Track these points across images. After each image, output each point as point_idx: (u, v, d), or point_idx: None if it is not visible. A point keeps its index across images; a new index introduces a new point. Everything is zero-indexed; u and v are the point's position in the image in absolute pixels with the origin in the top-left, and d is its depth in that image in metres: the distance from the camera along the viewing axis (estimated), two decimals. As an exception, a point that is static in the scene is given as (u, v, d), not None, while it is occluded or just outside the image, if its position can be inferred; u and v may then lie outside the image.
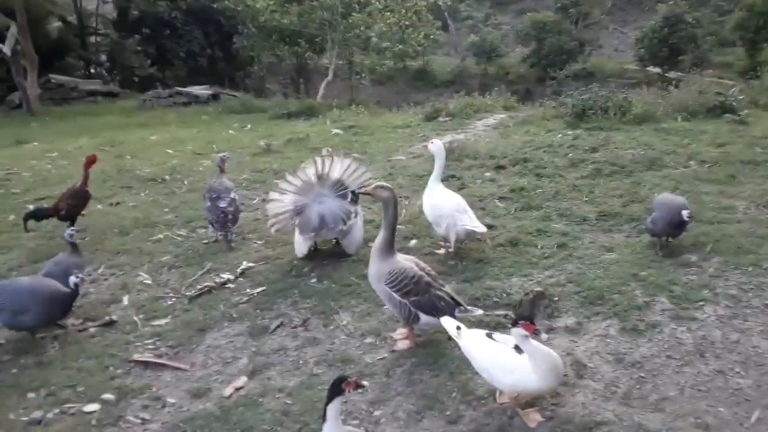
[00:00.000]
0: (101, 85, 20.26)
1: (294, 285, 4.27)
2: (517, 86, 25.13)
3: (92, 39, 24.57)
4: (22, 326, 3.60)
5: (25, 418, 2.96)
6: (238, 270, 4.55)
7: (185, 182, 7.17)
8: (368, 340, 3.56)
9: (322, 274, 4.40)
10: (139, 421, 2.97)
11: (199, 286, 4.32)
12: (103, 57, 24.48)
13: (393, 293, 3.27)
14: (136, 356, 3.50)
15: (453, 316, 3.19)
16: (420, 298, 3.22)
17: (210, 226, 5.21)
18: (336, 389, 2.32)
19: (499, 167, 6.62)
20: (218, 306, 4.06)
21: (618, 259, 4.19)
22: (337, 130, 10.15)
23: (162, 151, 9.13)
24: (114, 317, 3.95)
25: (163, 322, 3.91)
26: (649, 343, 3.26)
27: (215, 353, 3.53)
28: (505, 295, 3.86)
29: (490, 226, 4.94)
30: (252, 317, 3.89)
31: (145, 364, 3.43)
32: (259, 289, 4.23)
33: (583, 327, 3.43)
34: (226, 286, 4.35)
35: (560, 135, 7.83)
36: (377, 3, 15.46)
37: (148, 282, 4.51)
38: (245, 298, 4.14)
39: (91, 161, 5.44)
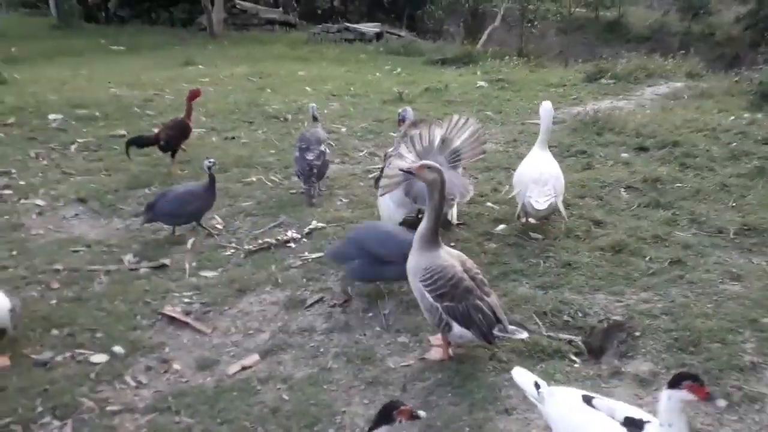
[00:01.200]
0: (280, 14, 20.88)
1: (354, 256, 3.90)
2: (724, 49, 21.84)
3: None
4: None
5: (35, 356, 2.97)
6: (306, 229, 4.28)
7: (305, 124, 7.01)
8: (402, 339, 3.11)
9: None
10: (134, 384, 2.83)
11: (260, 241, 4.12)
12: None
13: (426, 293, 2.75)
14: (167, 309, 3.38)
15: (490, 333, 2.67)
16: (455, 304, 2.69)
17: (297, 177, 4.98)
18: (386, 416, 1.96)
19: (641, 148, 5.59)
20: (269, 266, 3.82)
21: (741, 294, 3.23)
22: (482, 83, 9.38)
23: (301, 88, 9.09)
24: (167, 261, 3.89)
25: (210, 274, 3.76)
26: (739, 423, 2.43)
27: (242, 321, 3.30)
28: (580, 315, 3.16)
29: (598, 223, 4.15)
30: (296, 286, 3.60)
31: (171, 320, 3.30)
32: (316, 255, 3.92)
33: (658, 379, 2.66)
34: (288, 244, 4.10)
35: (733, 117, 6.42)
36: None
37: (219, 227, 4.40)
38: (299, 262, 3.86)
39: (194, 95, 5.41)
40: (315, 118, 5.07)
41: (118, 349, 3.03)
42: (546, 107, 4.16)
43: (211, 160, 4.24)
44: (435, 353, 2.97)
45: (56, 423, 2.58)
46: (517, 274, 3.60)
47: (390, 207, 4.06)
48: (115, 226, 4.48)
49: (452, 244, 3.92)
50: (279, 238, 4.14)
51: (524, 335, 2.73)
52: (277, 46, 15.21)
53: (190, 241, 4.17)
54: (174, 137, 5.28)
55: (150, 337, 3.16)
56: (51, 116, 6.91)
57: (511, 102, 8.19)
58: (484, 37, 14.69)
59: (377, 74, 10.78)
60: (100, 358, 2.98)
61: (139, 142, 5.34)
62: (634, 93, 8.74)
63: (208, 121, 7.03)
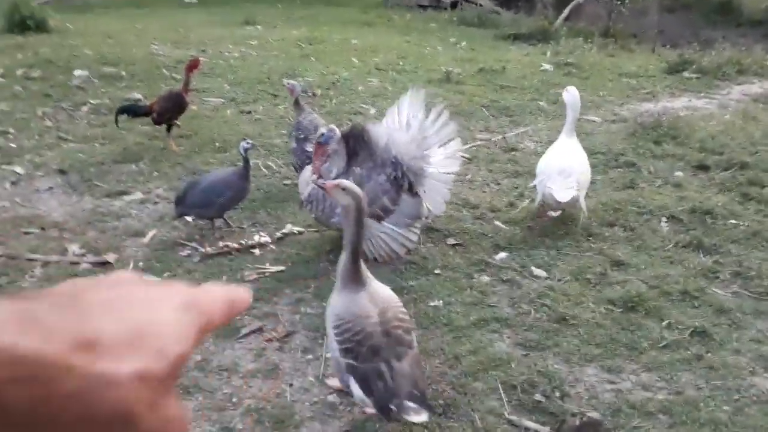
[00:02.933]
0: (360, -25, 20.19)
1: (319, 274, 3.37)
2: None
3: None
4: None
5: None
6: (278, 233, 3.77)
7: (333, 101, 6.46)
8: (332, 398, 2.57)
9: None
10: None
11: (221, 244, 3.65)
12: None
13: (334, 342, 2.29)
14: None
15: (387, 408, 2.15)
16: (358, 364, 2.21)
17: (294, 170, 4.44)
18: None
19: (701, 167, 4.68)
20: (219, 276, 3.35)
21: (775, 402, 2.47)
22: (547, 66, 8.45)
23: (348, 58, 8.49)
24: (112, 257, 3.49)
25: (152, 279, 3.33)
26: None
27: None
28: (557, 395, 2.50)
29: (618, 264, 3.41)
30: (240, 305, 3.11)
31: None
32: (277, 269, 3.41)
33: None
34: (252, 251, 3.61)
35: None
36: None
37: (188, 219, 3.96)
38: (254, 275, 3.37)
39: (192, 65, 4.93)
40: (297, 103, 4.39)
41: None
42: (573, 93, 3.96)
43: (249, 141, 3.76)
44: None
45: None
46: (500, 323, 2.95)
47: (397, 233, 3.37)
48: (83, 205, 4.12)
49: (437, 271, 3.33)
50: (243, 241, 3.66)
51: (422, 417, 2.15)
52: (346, 10, 14.58)
53: (150, 234, 3.76)
54: (168, 110, 4.85)
55: (54, 353, 2.77)
56: (76, 72, 6.68)
57: (573, 91, 7.27)
58: (565, 12, 13.42)
59: (438, 47, 10.00)
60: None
61: (130, 110, 4.95)
62: (719, 92, 7.58)
63: (231, 90, 6.60)
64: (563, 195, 3.59)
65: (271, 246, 3.65)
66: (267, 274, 3.38)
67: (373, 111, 6.23)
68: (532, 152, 5.21)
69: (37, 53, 7.27)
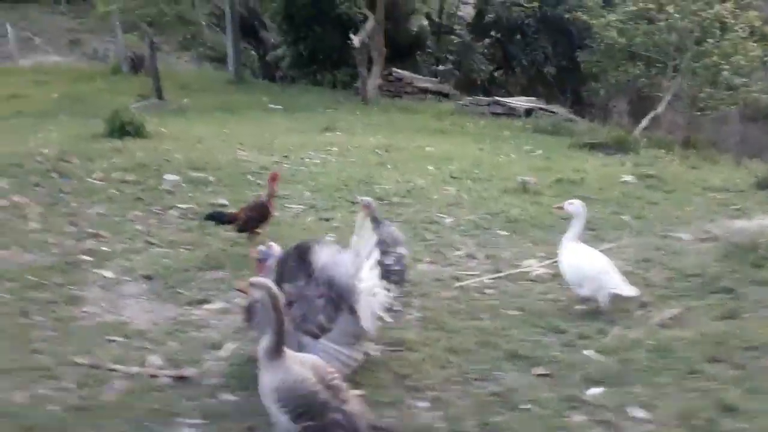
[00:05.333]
0: (434, 83, 20.95)
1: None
2: None
3: (445, 38, 25.73)
4: None
5: None
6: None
7: (409, 209, 6.49)
8: None
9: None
10: None
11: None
12: (451, 57, 25.46)
13: (282, 416, 2.49)
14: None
15: None
16: (314, 424, 2.46)
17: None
18: None
19: None
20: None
21: None
22: (628, 177, 8.27)
23: (423, 166, 8.63)
24: (192, 372, 3.45)
25: (232, 398, 3.25)
26: None
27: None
28: None
29: (728, 409, 3.07)
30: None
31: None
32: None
33: None
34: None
35: None
36: (740, 30, 12.30)
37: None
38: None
39: (273, 177, 5.09)
40: (374, 218, 4.35)
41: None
42: (578, 204, 4.33)
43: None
44: None
45: None
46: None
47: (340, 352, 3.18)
48: (166, 313, 4.18)
49: (524, 406, 3.11)
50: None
51: None
52: (421, 117, 15.06)
53: (228, 347, 3.72)
54: (253, 219, 4.99)
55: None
56: (166, 176, 7.06)
57: (658, 206, 7.05)
58: (644, 122, 13.35)
59: (511, 155, 10.06)
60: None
61: (217, 218, 5.13)
62: (820, 209, 7.16)
63: (311, 197, 6.76)
64: (631, 289, 4.03)
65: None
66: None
67: (449, 220, 6.21)
68: (621, 271, 4.96)
69: (132, 157, 7.77)
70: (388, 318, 3.52)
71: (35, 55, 24.64)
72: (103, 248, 5.13)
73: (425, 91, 20.00)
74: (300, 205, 6.50)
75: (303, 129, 12.05)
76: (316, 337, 3.18)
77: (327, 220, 6.10)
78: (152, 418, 3.06)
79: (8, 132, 10.29)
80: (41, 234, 5.37)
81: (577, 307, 4.28)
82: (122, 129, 9.18)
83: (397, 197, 6.86)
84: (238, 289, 2.88)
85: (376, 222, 4.37)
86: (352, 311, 3.20)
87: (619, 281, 4.05)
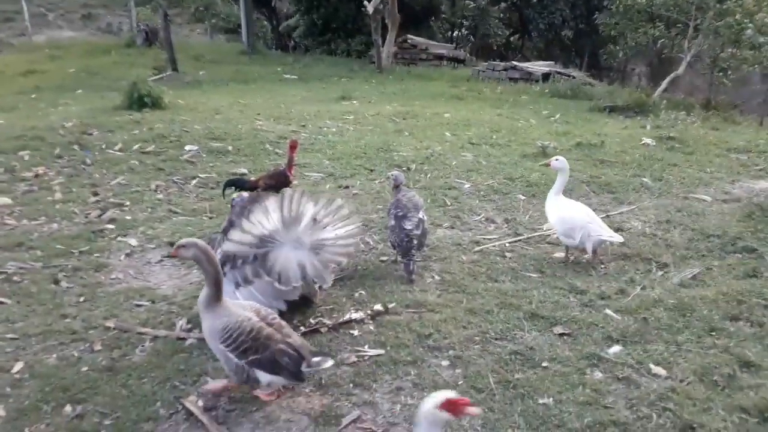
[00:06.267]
0: (449, 50, 20.66)
1: (418, 360, 3.26)
2: None
3: (461, 3, 25.28)
4: None
5: None
6: (368, 310, 3.70)
7: (427, 176, 6.48)
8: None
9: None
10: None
11: (314, 320, 3.61)
12: (466, 22, 25.07)
13: (229, 354, 2.74)
14: (189, 399, 3.00)
15: (299, 372, 2.75)
16: (260, 356, 2.73)
17: (392, 247, 4.40)
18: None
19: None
20: (319, 359, 3.29)
21: None
22: (648, 140, 8.16)
23: (441, 133, 8.58)
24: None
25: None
26: None
27: None
28: None
29: (748, 364, 3.10)
30: (338, 392, 3.02)
31: (189, 414, 2.91)
32: (376, 352, 3.33)
33: None
34: (351, 331, 3.55)
35: None
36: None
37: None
38: (353, 358, 3.28)
39: (292, 146, 5.10)
40: (397, 187, 4.47)
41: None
42: (562, 161, 4.48)
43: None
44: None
45: None
46: (618, 427, 2.72)
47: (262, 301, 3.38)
48: (191, 279, 4.26)
49: (545, 364, 3.15)
50: (336, 316, 3.63)
51: (330, 362, 2.81)
52: (437, 84, 14.91)
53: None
54: (272, 186, 5.00)
55: (159, 434, 2.79)
56: (186, 147, 7.12)
57: (678, 168, 6.97)
58: (664, 84, 13.07)
59: (530, 120, 9.95)
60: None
61: (237, 184, 5.17)
62: None
63: (330, 165, 6.77)
64: (614, 234, 4.32)
65: (369, 326, 3.59)
66: (366, 358, 3.30)
67: (467, 186, 6.20)
68: (640, 233, 4.96)
69: (152, 129, 7.82)
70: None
71: (49, 30, 24.68)
72: (127, 217, 5.22)
73: (441, 57, 19.75)
74: (319, 173, 6.52)
75: (319, 98, 12.01)
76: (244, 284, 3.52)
77: (346, 187, 6.12)
78: (180, 378, 3.15)
79: (29, 106, 10.40)
80: (65, 204, 5.47)
81: (556, 255, 4.56)
82: (140, 101, 9.23)
83: (415, 164, 6.85)
84: (169, 255, 3.01)
85: (397, 189, 4.43)
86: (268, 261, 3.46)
87: (605, 229, 4.31)
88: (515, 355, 3.28)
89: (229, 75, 15.24)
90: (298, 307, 3.75)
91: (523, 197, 5.86)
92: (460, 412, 1.95)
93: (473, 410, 1.98)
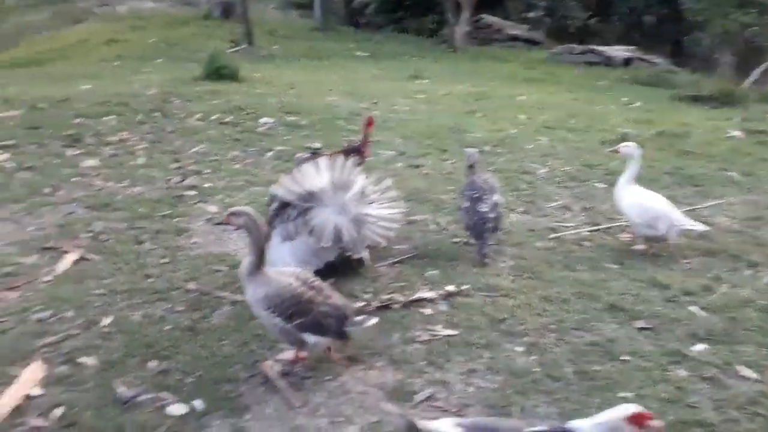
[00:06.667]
0: (525, 30, 20.13)
1: (492, 344, 3.22)
2: None
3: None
4: None
5: (119, 391, 2.85)
6: (442, 290, 3.67)
7: (500, 158, 6.36)
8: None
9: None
10: None
11: (386, 296, 3.62)
12: (542, 3, 24.33)
13: (275, 319, 2.83)
14: (266, 364, 3.06)
15: (343, 331, 2.88)
16: (305, 319, 2.82)
17: (466, 230, 4.34)
18: None
19: None
20: (391, 334, 3.31)
21: None
22: (736, 132, 7.74)
23: (515, 115, 8.40)
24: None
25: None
26: None
27: (336, 401, 2.84)
28: None
29: None
30: (412, 369, 3.04)
31: (266, 378, 2.98)
32: (448, 332, 3.31)
33: None
34: (422, 310, 3.54)
35: None
36: None
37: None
38: (426, 336, 3.28)
39: (368, 122, 5.08)
40: (471, 166, 4.37)
41: (198, 403, 2.78)
42: (633, 146, 4.33)
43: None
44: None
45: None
46: (703, 428, 2.61)
47: (288, 263, 3.59)
48: (267, 248, 4.34)
49: (624, 357, 3.06)
50: (407, 294, 3.63)
51: (374, 320, 2.92)
52: (511, 65, 14.61)
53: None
54: (347, 162, 5.02)
55: (238, 396, 2.86)
56: (262, 120, 7.23)
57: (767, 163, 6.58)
58: (755, 74, 12.35)
59: (610, 106, 9.59)
60: (177, 409, 2.75)
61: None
62: None
63: (401, 143, 6.75)
64: (698, 224, 4.20)
65: (441, 307, 3.57)
66: (438, 337, 3.29)
67: (543, 171, 6.05)
68: (727, 229, 4.72)
69: (229, 100, 7.99)
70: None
71: (130, 0, 25.50)
72: (206, 185, 5.36)
73: (515, 38, 19.32)
74: (390, 151, 6.51)
75: (390, 77, 11.97)
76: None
77: (417, 167, 6.08)
78: (257, 342, 3.24)
79: (113, 74, 10.81)
80: (148, 169, 5.68)
81: (636, 247, 4.35)
82: (218, 72, 9.44)
83: (488, 146, 6.72)
84: (222, 222, 3.11)
85: (472, 169, 4.36)
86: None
87: (686, 218, 4.20)
88: (593, 347, 3.20)
89: (302, 50, 15.38)
90: (348, 272, 3.89)
91: (602, 185, 5.67)
92: (645, 426, 1.95)
93: (657, 424, 1.98)
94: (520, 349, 3.19)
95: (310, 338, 2.87)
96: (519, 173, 5.95)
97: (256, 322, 3.38)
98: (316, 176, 3.87)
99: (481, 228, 4.14)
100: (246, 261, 2.92)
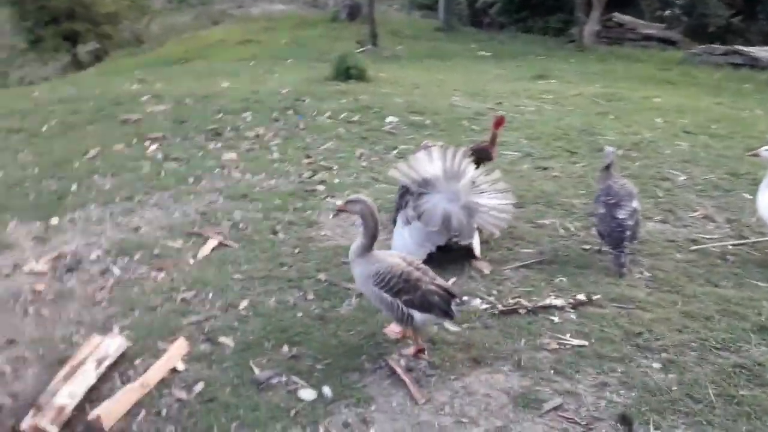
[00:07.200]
0: (660, 30, 18.95)
1: (626, 359, 3.07)
2: None
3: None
4: None
5: (257, 372, 3.01)
6: (571, 299, 3.54)
7: (635, 163, 6.03)
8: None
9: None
10: (324, 435, 2.65)
11: (512, 300, 3.54)
12: (680, 1, 22.82)
13: (384, 294, 2.96)
14: (392, 357, 3.12)
15: (450, 309, 2.97)
16: (412, 296, 2.94)
17: (599, 237, 4.16)
18: None
19: None
20: (518, 340, 3.24)
21: None
22: None
23: (650, 118, 7.93)
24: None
25: (453, 329, 3.36)
26: None
27: (461, 401, 2.84)
28: None
29: None
30: (538, 377, 2.97)
31: (392, 371, 3.03)
32: (578, 342, 3.19)
33: None
34: (549, 317, 3.45)
35: None
36: None
37: (486, 271, 3.96)
38: (554, 345, 3.19)
39: (498, 122, 4.99)
40: (607, 168, 4.17)
41: (327, 390, 2.89)
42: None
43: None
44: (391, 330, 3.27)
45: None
46: None
47: (408, 245, 3.89)
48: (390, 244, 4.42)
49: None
50: (534, 300, 3.54)
51: (476, 302, 3.33)
52: (644, 66, 13.83)
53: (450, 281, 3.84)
54: (474, 161, 4.96)
55: (364, 386, 2.94)
56: (388, 119, 7.36)
57: None
58: None
59: (757, 111, 8.83)
60: (307, 394, 2.87)
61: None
62: None
63: (527, 144, 6.60)
64: None
65: (571, 315, 3.46)
66: (567, 346, 3.18)
67: (682, 178, 5.69)
68: None
69: (357, 99, 8.20)
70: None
71: (263, 3, 26.86)
72: (335, 180, 5.54)
73: (649, 38, 18.24)
74: (516, 152, 6.39)
75: (514, 77, 11.75)
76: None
77: (544, 168, 5.92)
78: (382, 334, 3.31)
79: (248, 73, 11.45)
80: (282, 163, 5.96)
81: None
82: (347, 73, 9.72)
83: (622, 150, 6.40)
84: (339, 209, 3.28)
85: (607, 172, 4.19)
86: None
87: None
88: (740, 369, 2.96)
89: (425, 51, 15.48)
90: (459, 259, 4.01)
91: (750, 196, 5.23)
92: None
93: None
94: (657, 365, 3.02)
95: (418, 315, 2.96)
96: (656, 179, 5.63)
97: (381, 316, 3.46)
98: (429, 164, 4.09)
99: (618, 236, 3.95)
100: (356, 243, 3.08)
